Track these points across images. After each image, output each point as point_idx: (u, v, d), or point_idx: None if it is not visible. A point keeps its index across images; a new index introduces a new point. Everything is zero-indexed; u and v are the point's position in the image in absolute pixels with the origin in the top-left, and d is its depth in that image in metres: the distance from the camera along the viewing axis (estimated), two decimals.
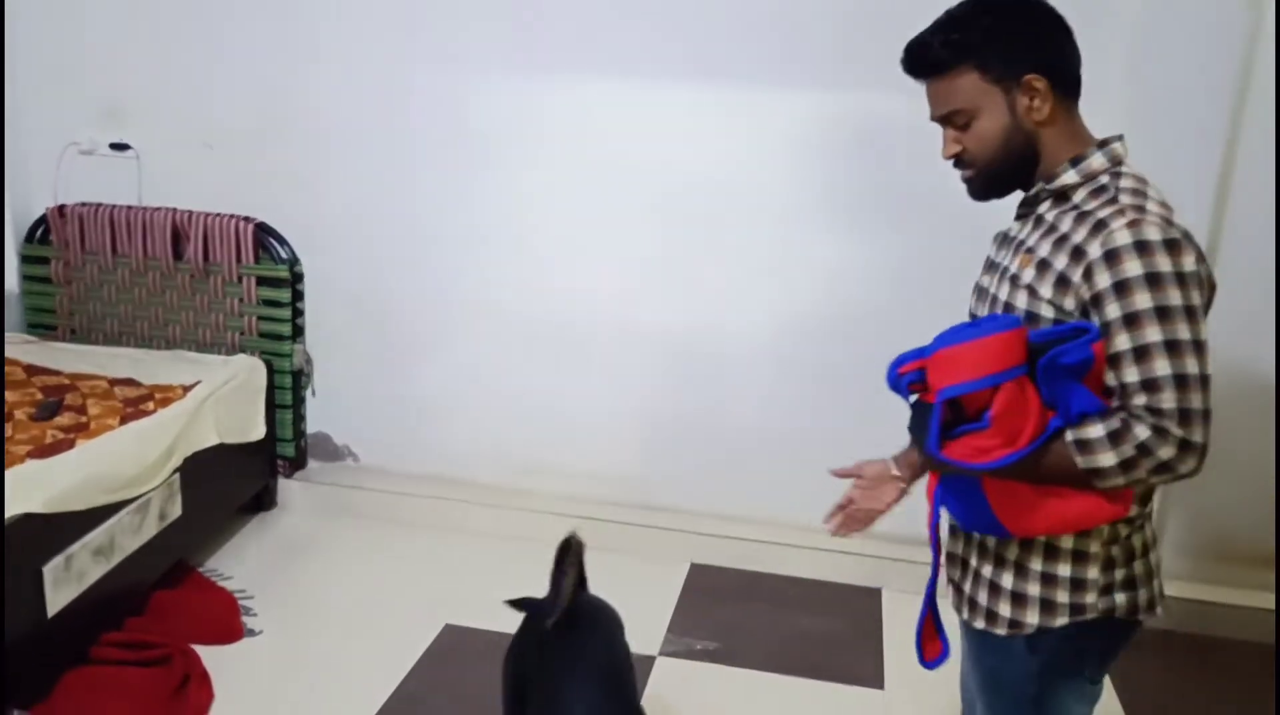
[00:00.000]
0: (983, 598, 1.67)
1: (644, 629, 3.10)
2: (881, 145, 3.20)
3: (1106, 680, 3.03)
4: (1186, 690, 3.02)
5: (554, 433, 3.70)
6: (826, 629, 3.23)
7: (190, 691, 2.70)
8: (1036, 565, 1.61)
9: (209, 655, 2.88)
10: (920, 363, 1.55)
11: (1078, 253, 1.48)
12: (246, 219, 3.61)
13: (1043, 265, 1.53)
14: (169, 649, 2.80)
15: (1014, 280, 1.58)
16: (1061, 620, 1.60)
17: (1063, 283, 1.49)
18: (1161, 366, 1.41)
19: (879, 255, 3.31)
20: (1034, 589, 1.61)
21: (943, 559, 1.75)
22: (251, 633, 3.04)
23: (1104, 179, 1.56)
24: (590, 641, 2.16)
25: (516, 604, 2.25)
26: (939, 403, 1.48)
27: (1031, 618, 1.61)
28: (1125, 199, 1.50)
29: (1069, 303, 1.49)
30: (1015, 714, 1.71)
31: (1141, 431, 1.41)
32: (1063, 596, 1.59)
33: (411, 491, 3.78)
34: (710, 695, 2.89)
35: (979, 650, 1.73)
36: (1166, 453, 1.41)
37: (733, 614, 3.28)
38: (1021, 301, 1.55)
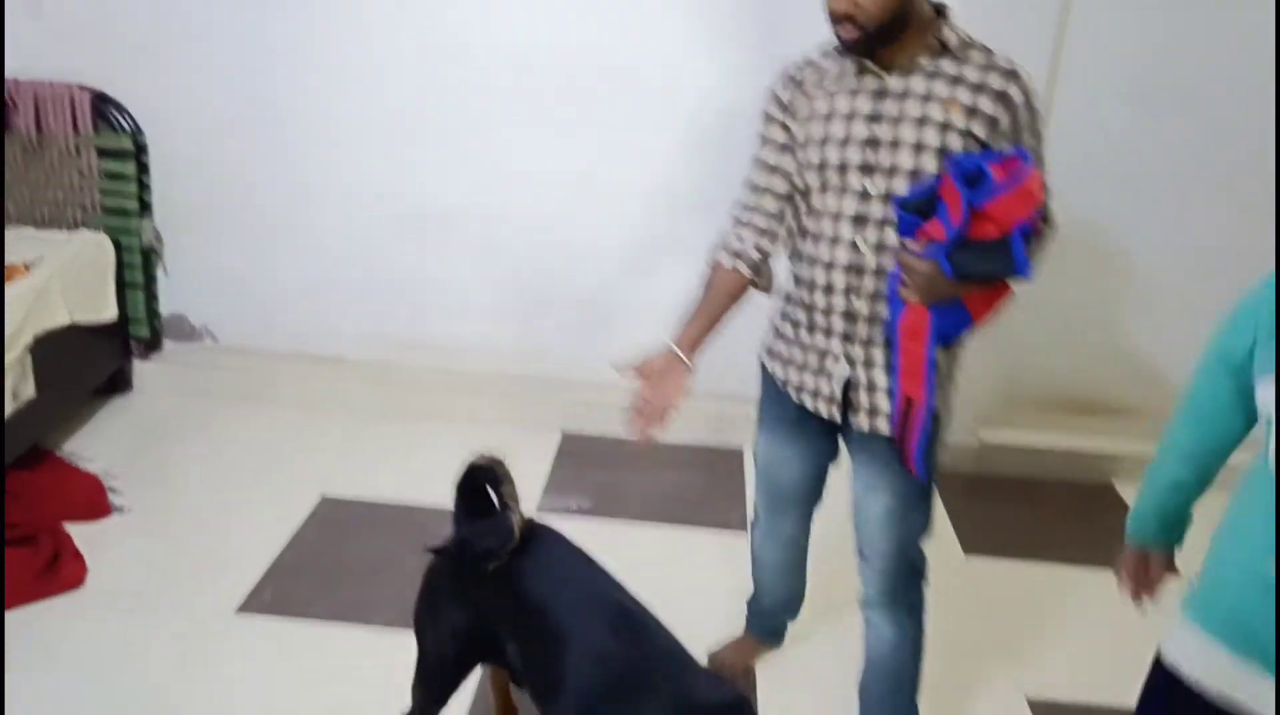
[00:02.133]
0: (885, 406, 1.94)
1: (521, 492, 3.21)
2: None
3: (945, 518, 3.31)
4: (1016, 525, 3.36)
5: (422, 308, 3.71)
6: (693, 484, 3.42)
7: (62, 567, 2.66)
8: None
9: (79, 534, 2.83)
10: (955, 216, 1.75)
11: (1002, 97, 1.80)
12: (82, 87, 3.41)
13: (970, 110, 1.80)
14: (34, 528, 2.74)
15: (944, 126, 1.80)
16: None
17: (991, 123, 1.81)
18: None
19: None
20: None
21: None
22: (120, 510, 3.00)
23: (965, 36, 1.83)
24: (561, 559, 1.87)
25: (443, 549, 1.86)
26: (1018, 234, 1.75)
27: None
28: (997, 54, 1.84)
29: (987, 136, 1.81)
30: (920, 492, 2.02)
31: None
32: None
33: (276, 369, 3.74)
34: (588, 546, 3.03)
35: (885, 455, 1.97)
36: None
37: (604, 476, 3.42)
38: (955, 143, 1.80)
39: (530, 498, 3.25)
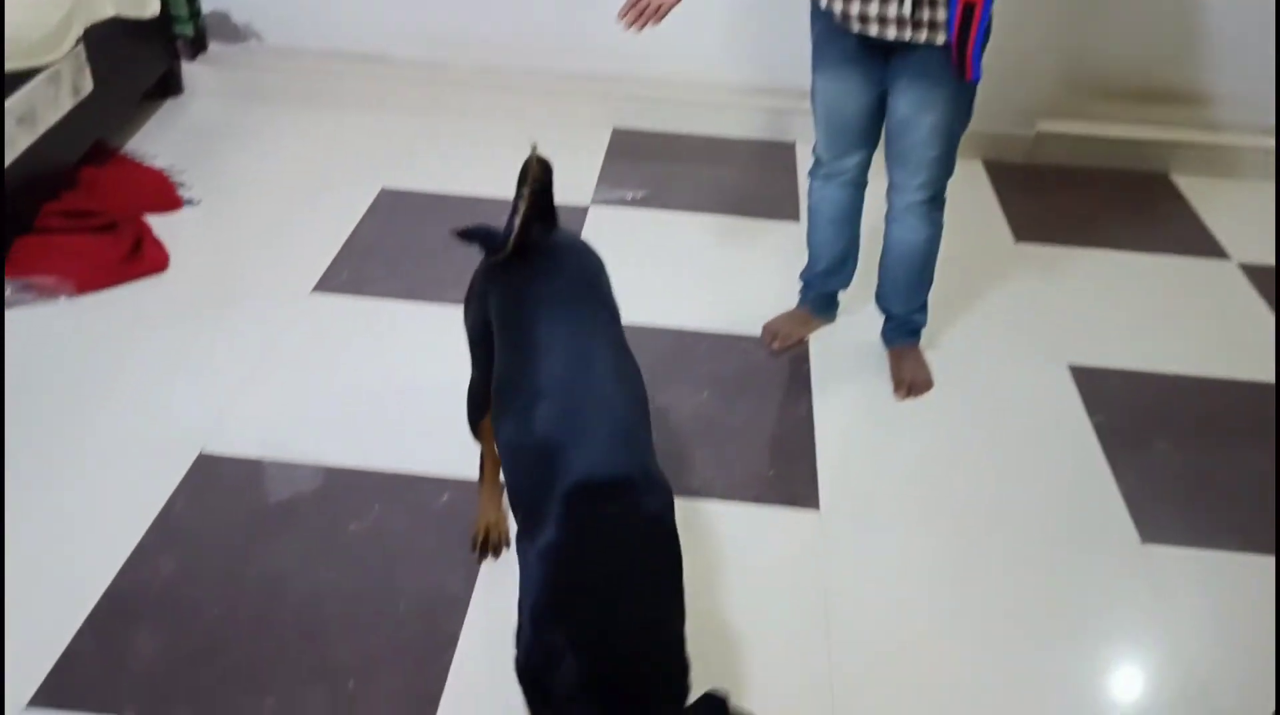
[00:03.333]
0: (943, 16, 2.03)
1: (574, 184, 3.27)
2: None
3: (997, 207, 3.33)
4: (1069, 213, 3.37)
5: (468, 3, 3.61)
6: (747, 177, 3.45)
7: (146, 252, 2.79)
8: None
9: (154, 225, 2.94)
10: None
11: None
12: None
13: None
14: (114, 216, 2.85)
15: None
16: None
17: None
18: None
19: None
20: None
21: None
22: (190, 203, 3.09)
23: None
24: (566, 278, 1.69)
25: (466, 234, 1.76)
26: None
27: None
28: None
29: None
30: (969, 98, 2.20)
31: None
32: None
33: (324, 69, 3.71)
34: (642, 233, 3.12)
35: (939, 69, 2.10)
36: None
37: (657, 169, 3.45)
38: None
39: (584, 189, 3.30)
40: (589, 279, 1.71)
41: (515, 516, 1.49)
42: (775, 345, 2.64)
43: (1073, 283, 3.01)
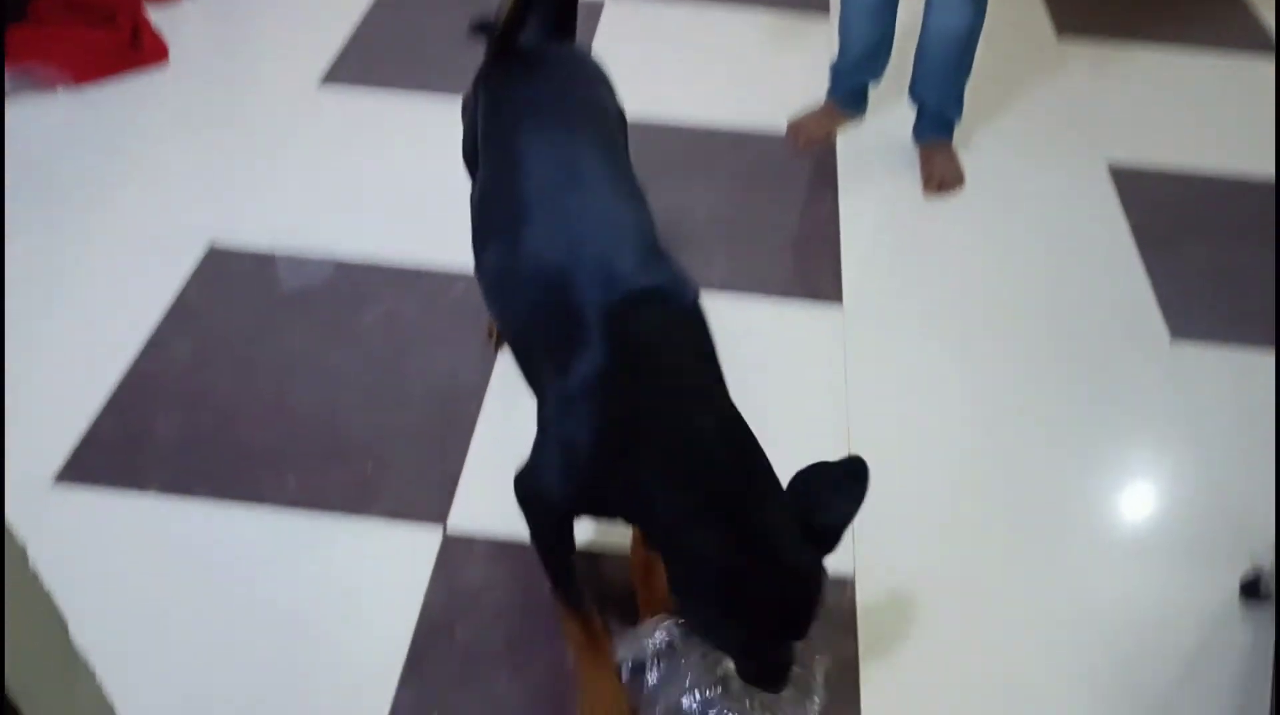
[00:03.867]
0: None
1: None
2: None
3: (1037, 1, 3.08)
4: (1115, 5, 3.17)
5: None
6: None
7: (144, 43, 2.67)
8: None
9: (152, 16, 2.81)
10: None
11: None
12: None
13: None
14: (110, 7, 2.71)
15: None
16: None
17: None
18: None
19: None
20: None
21: None
22: None
23: None
24: (545, 87, 1.51)
25: (482, 27, 1.58)
26: None
27: None
28: None
29: None
30: None
31: None
32: None
33: None
34: (663, 28, 2.97)
35: None
36: None
37: None
38: None
39: None
40: (583, 88, 1.53)
41: (521, 360, 1.37)
42: (801, 143, 2.54)
43: (1115, 80, 2.86)
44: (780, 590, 1.16)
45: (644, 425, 1.19)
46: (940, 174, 2.43)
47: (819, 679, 1.39)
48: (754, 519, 1.16)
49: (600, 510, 1.32)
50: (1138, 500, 1.84)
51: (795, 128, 2.56)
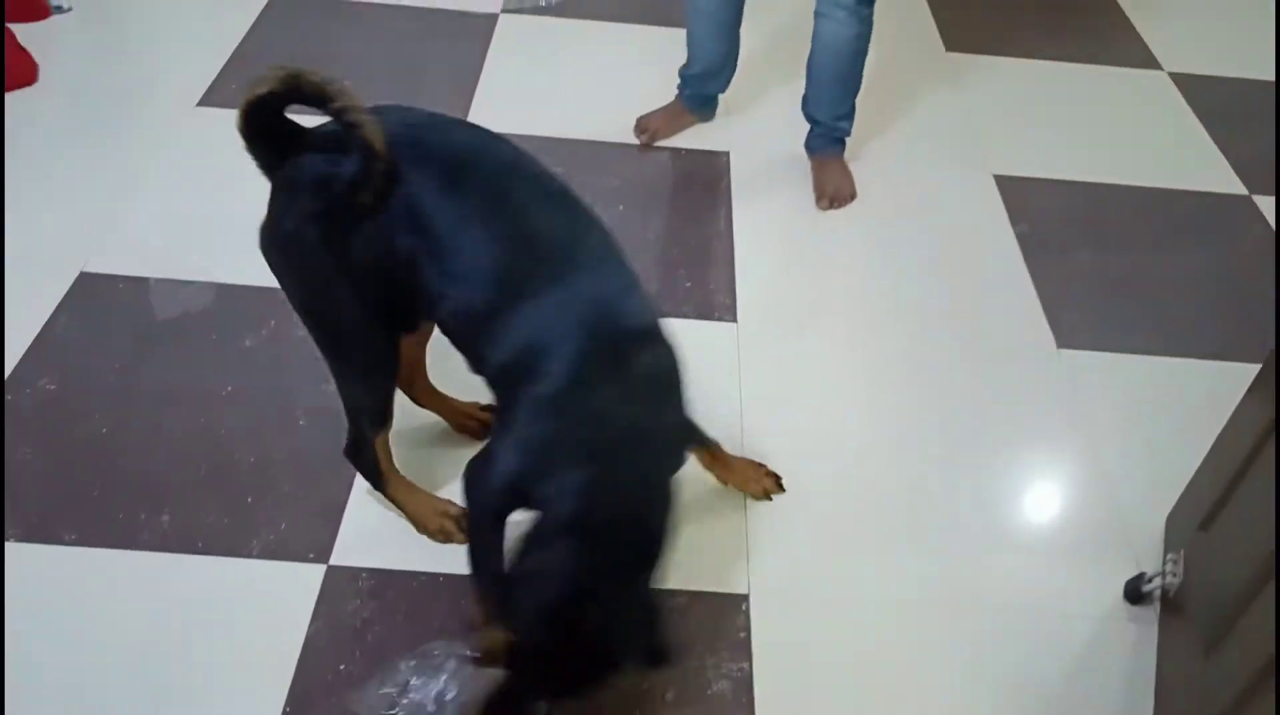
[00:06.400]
0: None
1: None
2: None
3: (928, 14, 3.10)
4: (999, 22, 3.25)
5: None
6: None
7: (10, 64, 2.54)
8: None
9: (20, 35, 2.68)
10: None
11: None
12: None
13: None
14: None
15: None
16: None
17: None
18: None
19: None
20: None
21: None
22: (60, 9, 2.82)
23: None
24: (461, 141, 1.39)
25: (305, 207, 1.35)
26: None
27: None
28: None
29: None
30: None
31: None
32: None
33: None
34: (551, 46, 2.94)
35: None
36: None
37: None
38: None
39: (493, 3, 3.08)
40: (484, 147, 1.38)
41: (489, 376, 1.35)
42: (647, 138, 2.57)
43: (1003, 92, 2.92)
44: (582, 649, 1.21)
45: (587, 435, 1.27)
46: (833, 188, 2.45)
47: None
48: (615, 577, 1.24)
49: (525, 503, 1.32)
50: (1028, 502, 1.87)
51: (643, 123, 2.59)
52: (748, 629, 1.59)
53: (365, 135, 1.25)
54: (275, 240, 1.39)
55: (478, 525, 1.41)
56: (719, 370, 2.01)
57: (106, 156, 2.39)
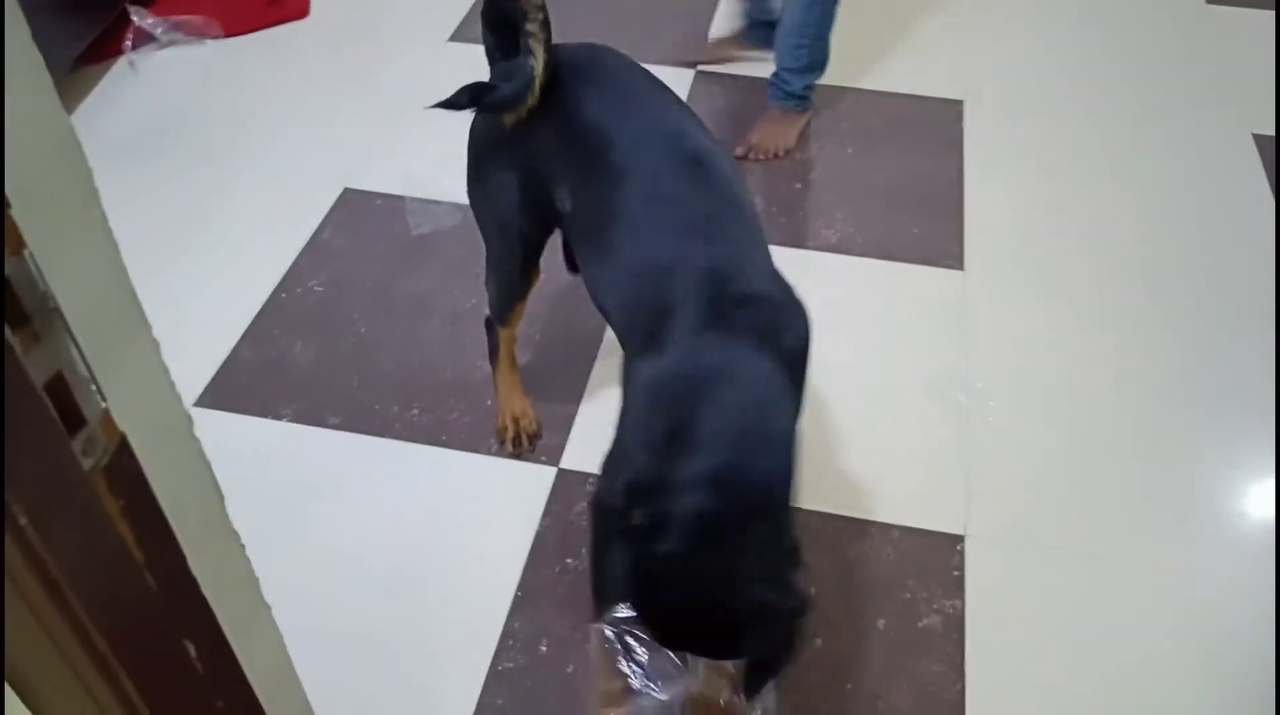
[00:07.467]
0: None
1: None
2: None
3: None
4: None
5: None
6: None
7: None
8: None
9: None
10: None
11: None
12: None
13: None
14: None
15: None
16: None
17: None
18: None
19: None
20: None
21: None
22: None
23: None
24: (620, 85, 1.45)
25: (452, 103, 1.45)
26: None
27: None
28: None
29: None
30: None
31: None
32: None
33: None
34: None
35: None
36: None
37: None
38: None
39: None
40: (637, 80, 1.45)
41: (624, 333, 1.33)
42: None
43: (1265, 48, 2.71)
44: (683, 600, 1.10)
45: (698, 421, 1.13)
46: (758, 136, 2.36)
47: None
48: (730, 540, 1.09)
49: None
50: (1272, 477, 1.77)
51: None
52: (962, 568, 1.59)
53: (532, 69, 1.37)
54: (471, 132, 1.55)
55: (603, 521, 1.27)
56: (944, 317, 2.00)
57: (367, 86, 2.57)
